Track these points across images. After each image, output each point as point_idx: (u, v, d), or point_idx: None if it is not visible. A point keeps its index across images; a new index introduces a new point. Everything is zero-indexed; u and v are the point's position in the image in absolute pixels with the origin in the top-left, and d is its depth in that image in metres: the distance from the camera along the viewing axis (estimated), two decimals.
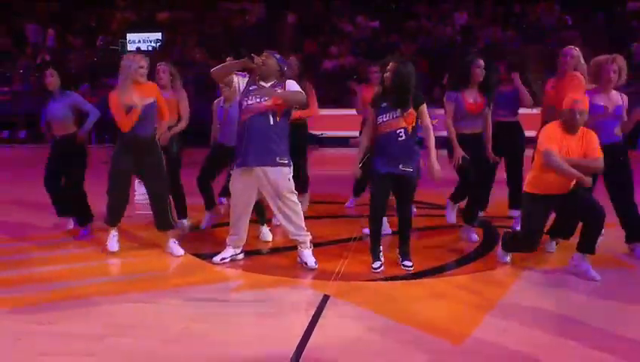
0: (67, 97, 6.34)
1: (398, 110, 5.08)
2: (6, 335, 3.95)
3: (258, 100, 5.16)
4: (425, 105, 5.19)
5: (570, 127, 4.90)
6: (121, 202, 5.73)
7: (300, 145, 6.82)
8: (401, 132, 5.09)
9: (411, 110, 5.10)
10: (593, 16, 20.58)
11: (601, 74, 5.42)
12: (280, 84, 5.24)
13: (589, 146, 4.89)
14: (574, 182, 4.88)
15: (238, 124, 5.37)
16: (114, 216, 5.79)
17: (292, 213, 5.32)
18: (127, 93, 5.49)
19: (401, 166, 5.11)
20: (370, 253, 5.36)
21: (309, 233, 5.42)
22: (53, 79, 6.31)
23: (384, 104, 5.14)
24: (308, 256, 5.35)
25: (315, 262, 5.31)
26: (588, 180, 4.81)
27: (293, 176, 5.45)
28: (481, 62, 5.84)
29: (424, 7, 22.11)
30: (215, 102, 6.69)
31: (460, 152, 5.80)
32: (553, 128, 4.97)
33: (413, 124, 5.13)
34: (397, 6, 22.49)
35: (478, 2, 21.79)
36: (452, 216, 6.57)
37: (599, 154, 4.88)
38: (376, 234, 5.36)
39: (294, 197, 5.32)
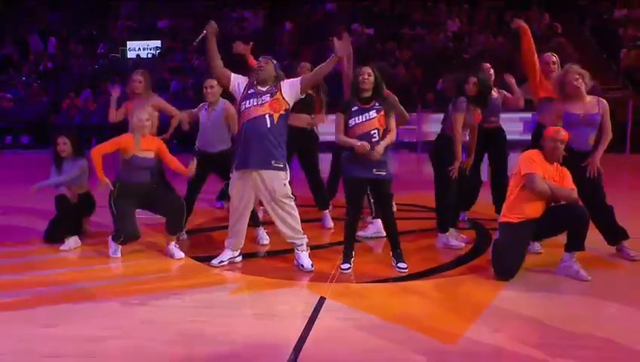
0: (76, 164, 6.45)
1: (372, 112, 5.21)
2: (8, 337, 4.00)
3: (255, 103, 5.26)
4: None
5: (550, 156, 5.11)
6: (134, 234, 5.75)
7: (306, 151, 6.93)
8: (375, 132, 5.22)
9: (383, 113, 5.24)
10: (581, 23, 20.85)
11: (566, 87, 5.53)
12: (275, 86, 5.33)
13: (565, 180, 5.12)
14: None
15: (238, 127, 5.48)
16: (126, 242, 5.85)
17: (288, 216, 5.39)
18: (136, 144, 5.76)
19: (374, 170, 5.23)
20: (342, 253, 5.46)
21: (305, 236, 5.50)
22: (66, 147, 6.43)
23: (355, 107, 5.25)
24: (304, 258, 5.43)
25: (312, 265, 5.39)
26: (574, 194, 5.05)
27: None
28: (474, 78, 5.88)
29: (418, 15, 22.29)
30: (200, 105, 6.75)
31: (459, 161, 5.91)
32: (535, 154, 5.16)
33: (385, 126, 5.29)
34: (392, 13, 22.67)
35: (470, 10, 22.01)
36: (453, 241, 6.19)
37: (574, 187, 5.11)
38: (351, 238, 5.46)
39: (291, 202, 5.39)
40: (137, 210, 5.93)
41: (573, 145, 5.42)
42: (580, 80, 5.48)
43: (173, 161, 6.00)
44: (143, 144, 5.79)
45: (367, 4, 23.36)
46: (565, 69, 5.56)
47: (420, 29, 21.58)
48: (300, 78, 5.39)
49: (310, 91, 6.55)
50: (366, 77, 5.22)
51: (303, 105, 6.35)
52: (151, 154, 5.86)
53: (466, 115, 5.91)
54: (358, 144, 5.16)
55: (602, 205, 5.61)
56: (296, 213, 5.45)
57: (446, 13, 22.16)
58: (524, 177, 5.05)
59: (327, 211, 7.23)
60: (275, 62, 5.46)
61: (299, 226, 5.46)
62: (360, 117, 5.23)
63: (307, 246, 5.51)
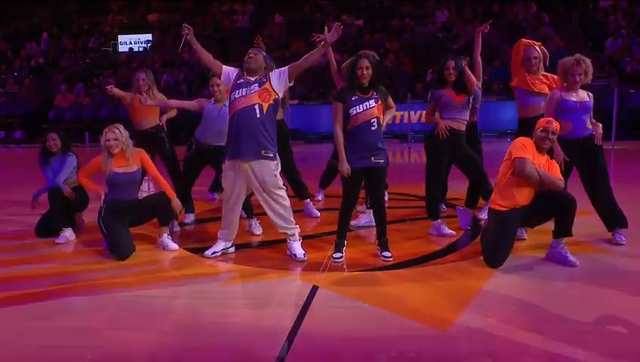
0: (64, 159, 6.53)
1: (372, 101, 5.27)
2: (6, 330, 4.03)
3: (245, 93, 5.29)
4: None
5: (539, 145, 5.18)
6: (127, 252, 5.65)
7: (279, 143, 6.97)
8: (374, 121, 5.28)
9: (380, 102, 5.32)
10: (568, 13, 21.01)
11: (567, 76, 5.63)
12: (265, 76, 5.36)
13: (553, 172, 5.18)
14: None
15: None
16: (122, 259, 5.66)
17: (280, 207, 5.43)
18: (106, 163, 5.82)
19: (373, 158, 5.29)
20: (335, 242, 5.51)
21: (297, 226, 5.55)
22: (55, 143, 6.50)
23: (354, 97, 5.30)
24: (297, 248, 5.48)
25: (304, 254, 5.44)
26: (561, 184, 5.12)
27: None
28: (452, 62, 5.94)
29: (407, 6, 22.35)
30: (209, 99, 6.76)
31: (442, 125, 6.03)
32: (526, 141, 5.22)
33: (382, 114, 5.38)
34: (381, 5, 22.71)
35: (458, 1, 22.09)
36: (445, 230, 6.27)
37: (562, 178, 5.20)
38: (344, 228, 5.51)
39: (282, 192, 5.43)
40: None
41: (575, 135, 5.60)
42: (583, 76, 5.58)
43: (157, 177, 6.01)
44: (119, 161, 5.82)
45: None
46: (577, 59, 5.59)
47: (409, 20, 21.63)
48: (287, 66, 5.43)
49: None
50: (365, 71, 5.27)
51: None
52: (131, 168, 5.87)
53: (439, 102, 6.05)
54: (345, 167, 5.28)
55: (606, 189, 5.72)
56: (287, 203, 5.49)
57: (434, 5, 22.23)
58: (514, 161, 5.11)
59: (309, 200, 7.32)
60: (264, 53, 5.51)
61: (291, 216, 5.51)
62: (360, 106, 5.28)
63: (299, 235, 5.56)
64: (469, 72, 5.94)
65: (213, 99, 6.60)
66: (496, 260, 5.10)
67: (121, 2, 26.41)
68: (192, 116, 6.79)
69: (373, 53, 5.43)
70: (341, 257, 5.40)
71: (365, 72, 5.26)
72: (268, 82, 5.32)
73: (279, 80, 5.36)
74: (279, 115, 6.90)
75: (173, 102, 7.16)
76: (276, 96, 5.36)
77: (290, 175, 7.12)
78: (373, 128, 5.29)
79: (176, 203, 5.89)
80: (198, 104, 6.65)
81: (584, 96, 5.68)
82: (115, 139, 5.76)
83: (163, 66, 20.91)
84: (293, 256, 5.46)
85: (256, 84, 5.31)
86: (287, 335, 3.81)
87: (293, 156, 7.30)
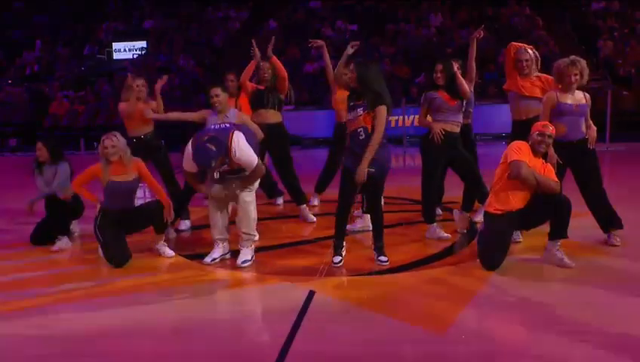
0: (56, 167, 6.53)
1: (360, 110, 5.19)
2: (3, 339, 4.03)
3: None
4: (383, 107, 5.12)
5: (535, 149, 5.19)
6: (121, 261, 5.62)
7: (277, 148, 7.00)
8: (360, 131, 5.17)
9: (369, 111, 5.18)
10: (561, 16, 21.09)
11: (563, 78, 5.62)
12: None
13: (548, 174, 5.20)
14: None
15: None
16: (117, 267, 5.64)
17: (243, 213, 5.53)
18: (104, 171, 5.79)
19: None
20: (333, 245, 5.50)
21: (256, 234, 5.68)
22: (41, 152, 6.52)
23: (351, 103, 5.29)
24: (246, 254, 5.56)
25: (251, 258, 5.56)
26: (557, 187, 5.12)
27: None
28: (439, 65, 5.95)
29: (402, 10, 22.40)
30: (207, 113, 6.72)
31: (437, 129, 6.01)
32: (522, 144, 5.23)
33: (371, 125, 5.16)
34: (375, 10, 22.76)
35: (452, 5, 22.18)
36: (442, 233, 6.27)
37: (558, 181, 5.20)
38: (341, 230, 5.50)
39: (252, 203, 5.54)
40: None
41: (570, 138, 5.59)
42: (578, 77, 5.59)
43: (154, 186, 6.02)
44: (117, 169, 5.80)
45: (350, 2, 23.41)
46: (572, 60, 5.60)
47: (404, 24, 21.68)
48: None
49: (261, 86, 7.01)
50: (349, 75, 5.26)
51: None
52: (130, 177, 5.86)
53: (432, 105, 6.03)
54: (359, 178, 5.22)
55: (600, 192, 5.73)
56: (252, 208, 5.58)
57: (427, 9, 22.30)
58: (510, 165, 5.12)
59: (305, 205, 7.32)
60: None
61: (253, 224, 5.62)
62: (351, 113, 5.27)
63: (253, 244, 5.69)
64: (461, 79, 5.91)
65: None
66: (492, 263, 5.11)
67: (116, 9, 26.42)
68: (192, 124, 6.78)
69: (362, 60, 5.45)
70: (341, 261, 5.40)
71: (349, 76, 5.26)
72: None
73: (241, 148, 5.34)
74: (278, 118, 6.95)
75: (175, 114, 7.12)
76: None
77: (289, 180, 7.13)
78: (360, 138, 5.17)
79: (169, 212, 5.88)
80: (200, 115, 6.63)
81: (581, 98, 5.67)
82: (113, 146, 5.76)
83: (158, 73, 20.91)
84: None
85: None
86: (284, 340, 3.81)
87: (292, 161, 7.31)
